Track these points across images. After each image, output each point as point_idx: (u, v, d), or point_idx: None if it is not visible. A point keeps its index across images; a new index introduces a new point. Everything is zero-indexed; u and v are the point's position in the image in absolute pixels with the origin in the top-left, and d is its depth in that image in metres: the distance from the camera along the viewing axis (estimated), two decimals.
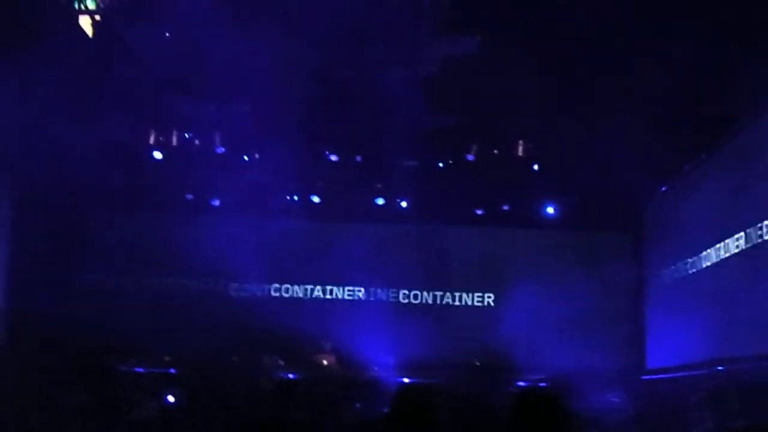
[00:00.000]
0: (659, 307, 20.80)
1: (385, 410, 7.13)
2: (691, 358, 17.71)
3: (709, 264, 17.43)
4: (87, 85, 16.78)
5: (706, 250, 17.49)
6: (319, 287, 22.92)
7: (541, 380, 19.83)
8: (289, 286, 22.68)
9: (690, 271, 18.55)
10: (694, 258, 18.23)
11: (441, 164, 21.38)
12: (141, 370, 20.30)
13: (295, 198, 22.35)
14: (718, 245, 16.84)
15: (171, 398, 18.21)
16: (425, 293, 23.13)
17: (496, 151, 20.91)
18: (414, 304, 23.07)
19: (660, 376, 19.62)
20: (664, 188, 20.58)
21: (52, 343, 18.55)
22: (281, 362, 19.74)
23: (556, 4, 14.91)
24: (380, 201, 22.41)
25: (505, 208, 22.24)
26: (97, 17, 17.39)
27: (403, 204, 22.52)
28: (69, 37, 16.55)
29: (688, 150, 18.26)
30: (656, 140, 17.51)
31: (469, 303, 23.06)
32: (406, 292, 23.09)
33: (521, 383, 19.39)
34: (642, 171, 19.26)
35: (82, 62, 16.47)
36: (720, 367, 15.88)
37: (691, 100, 15.92)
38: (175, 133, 20.74)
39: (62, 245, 20.26)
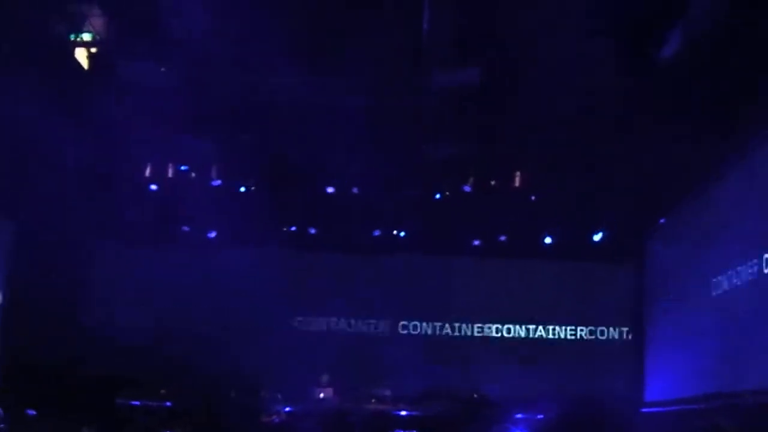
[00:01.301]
0: (659, 339, 20.66)
1: None
2: (691, 392, 17.56)
3: (712, 295, 17.27)
4: (85, 119, 16.72)
5: (706, 282, 17.34)
6: (318, 319, 22.77)
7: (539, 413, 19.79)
8: (287, 318, 22.48)
9: (692, 302, 18.39)
10: (695, 289, 18.07)
11: (438, 195, 21.24)
12: (137, 403, 20.17)
13: (293, 229, 22.21)
14: (717, 278, 16.71)
15: None
16: (424, 324, 22.99)
17: (493, 182, 20.78)
18: (413, 335, 22.93)
19: (659, 409, 19.48)
20: (662, 220, 20.49)
21: (52, 376, 18.50)
22: (278, 395, 19.59)
23: (558, 38, 14.87)
24: (377, 233, 22.30)
25: (503, 238, 22.11)
26: (93, 50, 17.32)
27: (401, 235, 22.41)
28: (66, 71, 16.52)
29: (687, 182, 18.19)
30: (654, 172, 17.50)
31: (468, 334, 22.92)
32: (405, 323, 22.96)
33: (519, 416, 19.31)
34: (641, 202, 19.23)
35: (77, 94, 16.41)
36: (720, 402, 15.73)
37: (689, 131, 15.83)
38: (171, 165, 20.61)
39: (62, 280, 20.17)
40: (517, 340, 22.63)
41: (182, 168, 20.71)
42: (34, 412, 15.87)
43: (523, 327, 22.68)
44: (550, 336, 22.58)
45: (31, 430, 15.67)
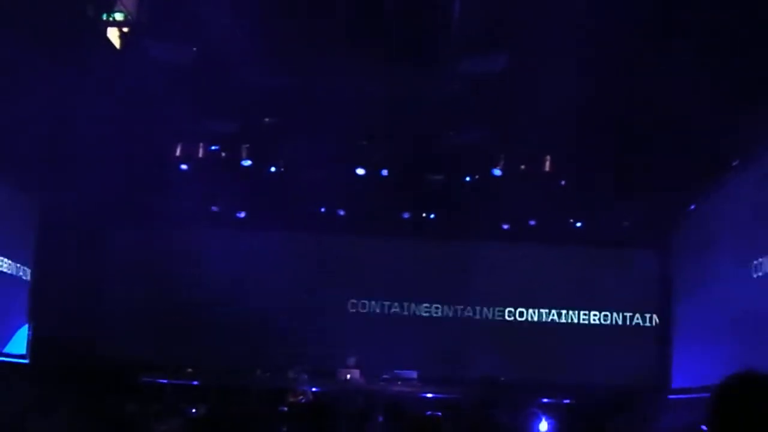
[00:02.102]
0: (686, 326, 20.57)
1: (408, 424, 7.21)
2: (718, 380, 17.44)
3: (737, 284, 17.16)
4: (113, 98, 16.76)
5: (734, 270, 17.24)
6: (344, 300, 22.79)
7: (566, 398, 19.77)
8: (313, 299, 22.49)
9: (718, 291, 18.28)
10: (723, 278, 17.97)
11: (468, 179, 21.17)
12: (164, 381, 20.29)
13: (322, 210, 22.23)
14: (747, 265, 16.61)
15: (194, 411, 18.14)
16: (450, 307, 23.00)
17: (523, 167, 20.68)
18: (438, 318, 22.94)
19: (686, 396, 19.41)
20: (692, 207, 20.38)
21: (76, 356, 18.60)
22: (305, 376, 19.65)
23: (587, 21, 14.76)
24: (406, 215, 22.30)
25: (532, 223, 22.06)
26: (125, 29, 17.34)
27: (430, 218, 22.41)
28: (96, 50, 16.54)
29: (717, 169, 18.09)
30: (684, 157, 17.40)
31: (494, 318, 22.93)
32: (429, 305, 22.98)
33: (546, 400, 19.30)
34: (670, 188, 19.13)
35: (108, 74, 16.45)
36: None
37: (717, 118, 15.74)
38: (201, 145, 20.60)
39: (85, 260, 20.28)
40: (543, 325, 22.62)
41: (212, 148, 20.69)
42: None
43: (551, 311, 22.68)
44: (577, 321, 22.57)
45: (57, 412, 15.74)
